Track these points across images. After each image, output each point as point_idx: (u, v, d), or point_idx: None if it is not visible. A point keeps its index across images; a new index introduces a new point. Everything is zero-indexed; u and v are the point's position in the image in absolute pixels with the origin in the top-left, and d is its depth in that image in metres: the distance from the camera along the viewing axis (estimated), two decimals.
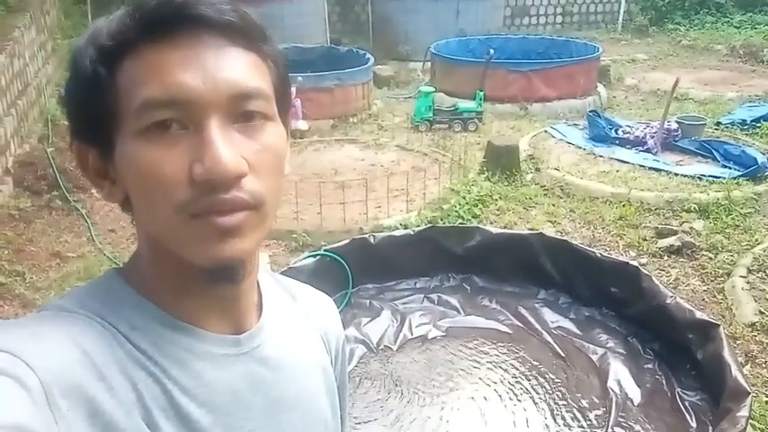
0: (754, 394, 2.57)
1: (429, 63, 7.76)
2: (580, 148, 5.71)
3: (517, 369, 3.01)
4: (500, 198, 4.73)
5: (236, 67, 0.60)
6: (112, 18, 0.61)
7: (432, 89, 6.52)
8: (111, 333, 0.61)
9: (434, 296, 3.49)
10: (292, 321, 0.77)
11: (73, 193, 4.70)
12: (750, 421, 2.35)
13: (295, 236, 4.07)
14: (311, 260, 3.32)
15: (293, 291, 0.81)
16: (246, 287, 0.69)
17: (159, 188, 0.59)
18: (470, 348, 3.17)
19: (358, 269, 3.41)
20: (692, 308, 2.90)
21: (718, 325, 2.74)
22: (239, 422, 0.66)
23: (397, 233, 3.60)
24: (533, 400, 2.82)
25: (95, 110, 0.61)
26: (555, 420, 2.71)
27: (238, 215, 0.59)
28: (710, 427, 2.53)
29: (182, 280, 0.65)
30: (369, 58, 7.15)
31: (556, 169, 5.18)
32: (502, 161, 5.07)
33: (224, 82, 0.59)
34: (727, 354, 2.54)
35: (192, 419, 0.62)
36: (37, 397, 0.52)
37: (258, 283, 0.73)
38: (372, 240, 3.48)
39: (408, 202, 4.48)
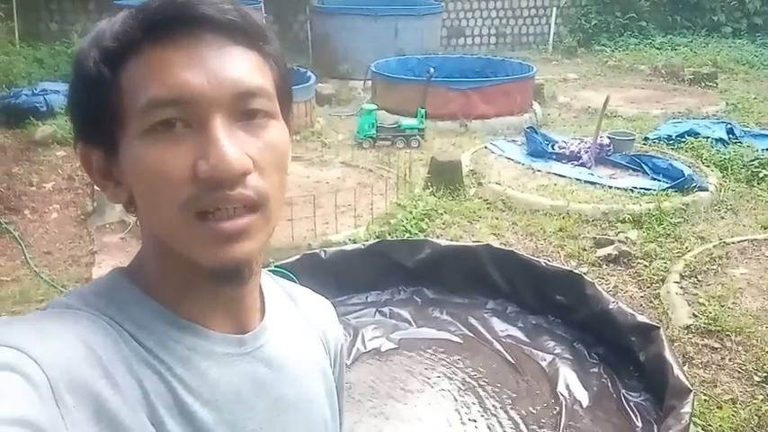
0: (695, 392, 2.70)
1: (370, 81, 7.85)
2: (519, 163, 5.89)
3: (469, 378, 3.06)
4: (445, 212, 4.82)
5: (239, 66, 0.62)
6: (115, 20, 0.62)
7: (374, 107, 6.59)
8: (116, 331, 0.61)
9: (386, 309, 3.52)
10: (293, 323, 0.78)
11: (4, 215, 4.51)
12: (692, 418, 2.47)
13: None
14: None
15: (293, 293, 0.82)
16: (251, 287, 0.70)
17: (164, 186, 0.59)
18: (423, 359, 3.20)
19: (309, 284, 3.33)
20: (633, 312, 3.03)
21: (659, 327, 2.88)
22: (242, 422, 0.67)
23: (347, 247, 3.62)
24: (486, 408, 2.87)
25: (99, 111, 0.62)
26: (508, 427, 2.77)
27: (243, 219, 0.60)
28: (655, 426, 2.65)
29: (187, 280, 0.65)
30: (310, 76, 7.17)
31: (497, 183, 5.33)
32: (445, 176, 5.17)
33: (227, 80, 0.60)
34: (668, 354, 2.67)
35: (196, 418, 0.63)
36: (44, 392, 0.52)
37: (260, 284, 0.74)
38: (323, 255, 3.48)
39: (356, 218, 4.50)
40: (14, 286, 3.77)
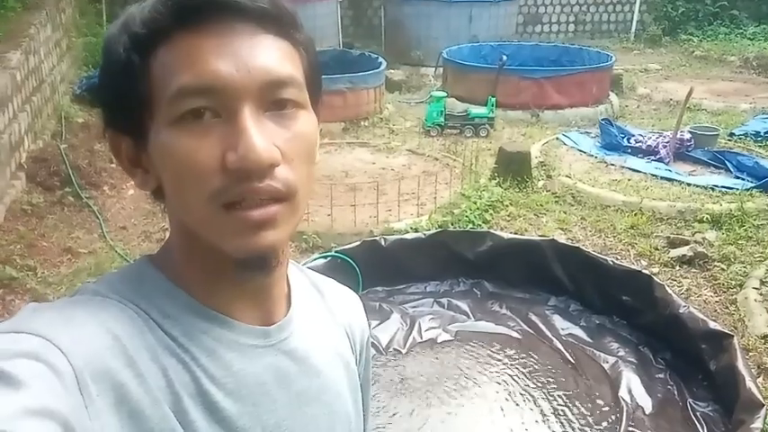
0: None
1: (441, 68, 7.76)
2: (592, 156, 5.69)
3: (527, 375, 3.00)
4: (511, 204, 4.72)
5: (268, 55, 0.60)
6: (145, 5, 0.61)
7: (444, 94, 6.52)
8: (143, 319, 0.61)
9: (444, 300, 3.48)
10: (318, 315, 0.77)
11: (85, 189, 4.72)
12: None
13: (305, 237, 4.06)
14: (321, 261, 3.31)
15: (320, 285, 0.80)
16: (278, 277, 0.69)
17: (192, 176, 0.59)
18: (480, 353, 3.15)
19: (368, 271, 3.40)
20: (705, 318, 2.88)
21: (732, 335, 2.72)
22: (265, 413, 0.66)
23: (408, 236, 3.60)
24: (543, 407, 2.80)
25: (129, 98, 0.61)
26: (565, 428, 2.69)
27: (271, 208, 0.59)
28: None
29: (214, 269, 0.64)
30: (381, 62, 7.16)
31: (567, 177, 5.16)
32: (513, 167, 5.06)
33: (257, 69, 0.59)
34: (740, 365, 2.52)
35: (219, 408, 0.62)
36: (68, 382, 0.52)
37: (287, 275, 0.73)
38: (383, 243, 3.48)
39: (419, 206, 4.47)
40: (91, 258, 3.96)
